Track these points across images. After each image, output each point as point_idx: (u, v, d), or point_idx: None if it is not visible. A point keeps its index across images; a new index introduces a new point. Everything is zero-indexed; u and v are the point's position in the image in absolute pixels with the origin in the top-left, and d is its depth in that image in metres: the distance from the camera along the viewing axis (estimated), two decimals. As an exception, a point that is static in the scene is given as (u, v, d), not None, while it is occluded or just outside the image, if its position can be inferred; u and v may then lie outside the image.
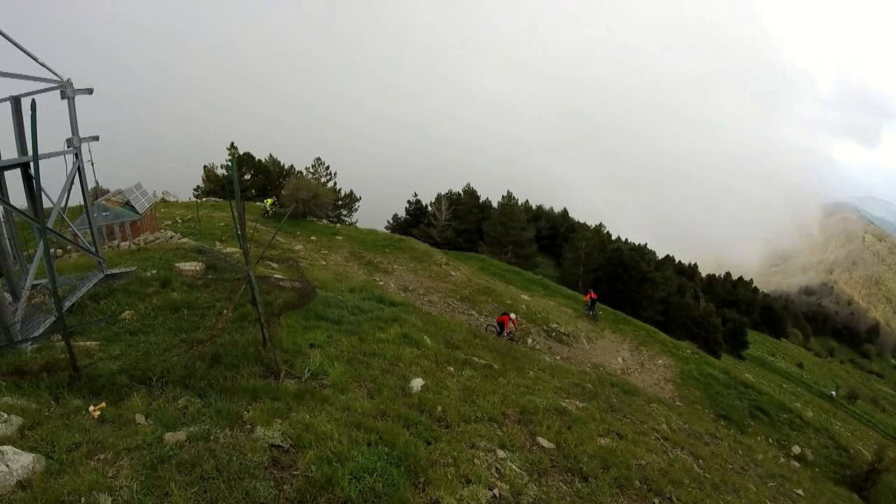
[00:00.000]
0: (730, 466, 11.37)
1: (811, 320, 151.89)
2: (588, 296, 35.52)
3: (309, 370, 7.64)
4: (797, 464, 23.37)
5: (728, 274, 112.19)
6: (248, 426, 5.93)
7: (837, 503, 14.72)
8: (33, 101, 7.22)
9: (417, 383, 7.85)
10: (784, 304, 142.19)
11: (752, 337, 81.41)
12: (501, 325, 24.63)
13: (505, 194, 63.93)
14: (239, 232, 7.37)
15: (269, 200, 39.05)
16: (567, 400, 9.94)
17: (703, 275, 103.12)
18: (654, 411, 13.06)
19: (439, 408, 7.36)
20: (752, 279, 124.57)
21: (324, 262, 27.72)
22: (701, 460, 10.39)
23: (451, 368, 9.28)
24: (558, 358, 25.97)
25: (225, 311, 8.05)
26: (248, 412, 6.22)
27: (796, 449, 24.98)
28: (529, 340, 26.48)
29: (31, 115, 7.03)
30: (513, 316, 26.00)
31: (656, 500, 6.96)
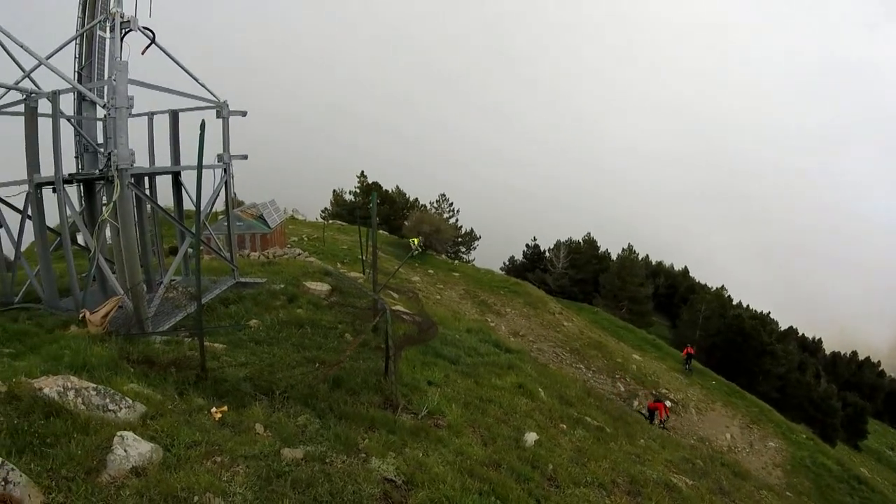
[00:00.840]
0: None
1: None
2: (686, 350, 35.48)
3: (426, 408, 7.72)
4: None
5: (854, 353, 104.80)
6: (364, 455, 6.00)
7: None
8: (203, 121, 7.74)
9: (531, 437, 7.76)
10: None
11: (872, 426, 75.96)
12: (652, 411, 24.37)
13: (626, 247, 63.01)
14: (368, 259, 7.58)
15: (416, 240, 38.64)
16: (677, 476, 9.56)
17: (828, 352, 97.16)
18: (764, 499, 12.37)
19: (550, 466, 7.22)
20: (879, 361, 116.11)
21: (438, 297, 28.09)
22: None
23: (564, 426, 9.14)
24: (656, 422, 25.23)
25: (354, 337, 8.28)
26: (364, 441, 6.31)
27: None
28: (636, 403, 25.80)
29: (200, 134, 7.53)
30: (668, 404, 25.97)
31: None
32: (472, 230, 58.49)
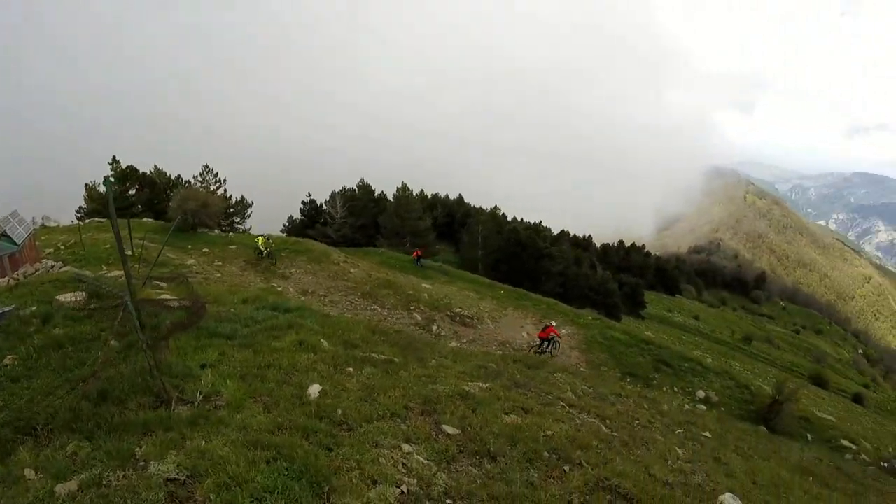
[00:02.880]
0: (637, 422, 11.68)
1: (702, 276, 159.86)
2: (415, 253, 41.98)
3: (201, 393, 7.38)
4: (703, 407, 24.79)
5: (621, 242, 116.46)
6: (142, 463, 5.65)
7: (744, 437, 15.37)
8: None
9: (315, 389, 7.71)
10: (675, 265, 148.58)
11: (650, 297, 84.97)
12: (546, 339, 25.41)
13: (400, 186, 64.06)
14: (138, 252, 7.04)
15: (261, 238, 33.87)
16: (471, 383, 9.98)
17: (598, 245, 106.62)
18: (559, 381, 13.29)
19: (339, 411, 7.24)
20: (644, 245, 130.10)
21: (219, 275, 27.02)
22: (608, 421, 10.65)
23: (351, 369, 9.16)
24: (465, 341, 26.38)
25: (106, 342, 7.73)
26: (140, 448, 5.96)
27: (700, 393, 26.69)
28: (434, 328, 26.71)
29: None
30: (553, 323, 27.45)
31: (567, 467, 7.05)
32: (242, 197, 56.51)
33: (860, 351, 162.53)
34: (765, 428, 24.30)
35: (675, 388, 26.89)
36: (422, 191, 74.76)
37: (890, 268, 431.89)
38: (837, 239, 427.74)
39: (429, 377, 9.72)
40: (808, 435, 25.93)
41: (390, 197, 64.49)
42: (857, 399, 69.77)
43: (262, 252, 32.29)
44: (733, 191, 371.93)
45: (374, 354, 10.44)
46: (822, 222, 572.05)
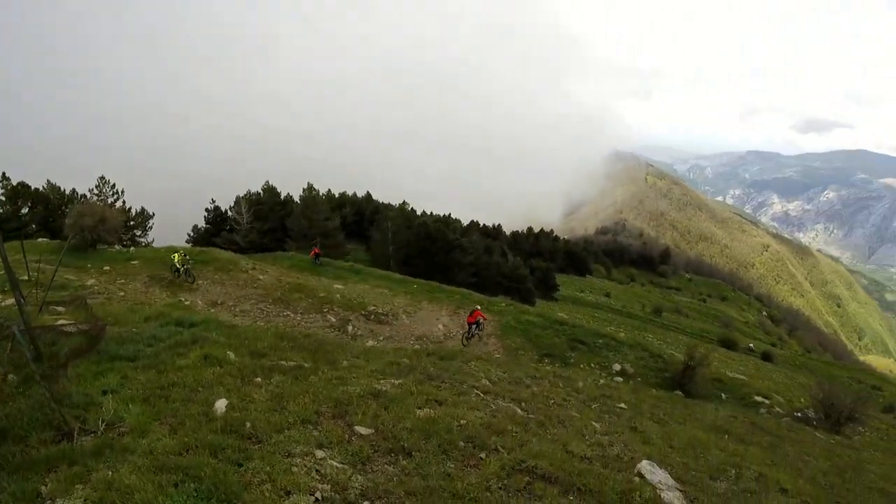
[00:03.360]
0: (552, 401, 11.89)
1: (610, 255, 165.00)
2: (312, 252, 42.11)
3: (103, 421, 7.16)
4: (620, 379, 25.65)
5: (530, 228, 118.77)
6: (49, 501, 5.48)
7: (659, 404, 15.76)
8: None
9: (222, 404, 7.57)
10: (584, 246, 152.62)
11: (561, 280, 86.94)
12: (474, 323, 27.25)
13: (306, 186, 63.24)
14: (34, 277, 6.79)
15: (177, 255, 30.62)
16: (383, 381, 9.95)
17: (508, 233, 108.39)
18: (473, 369, 13.41)
19: (248, 424, 7.08)
20: (552, 230, 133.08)
21: (122, 293, 26.05)
22: (524, 403, 10.81)
23: (259, 379, 9.01)
24: (382, 339, 26.44)
25: (2, 378, 7.43)
26: (45, 486, 5.76)
27: (616, 367, 27.58)
28: (350, 328, 26.65)
29: None
30: (479, 307, 28.59)
31: (483, 455, 7.12)
32: (142, 209, 54.47)
33: (764, 313, 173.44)
34: (681, 393, 25.35)
35: (592, 364, 27.72)
36: (329, 190, 74.16)
37: (786, 236, 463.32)
38: (735, 213, 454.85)
39: (340, 379, 9.66)
40: (723, 395, 27.29)
41: (297, 198, 63.63)
42: (766, 357, 73.91)
43: (178, 269, 30.05)
44: (634, 173, 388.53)
45: (282, 362, 10.35)
46: (719, 198, 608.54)
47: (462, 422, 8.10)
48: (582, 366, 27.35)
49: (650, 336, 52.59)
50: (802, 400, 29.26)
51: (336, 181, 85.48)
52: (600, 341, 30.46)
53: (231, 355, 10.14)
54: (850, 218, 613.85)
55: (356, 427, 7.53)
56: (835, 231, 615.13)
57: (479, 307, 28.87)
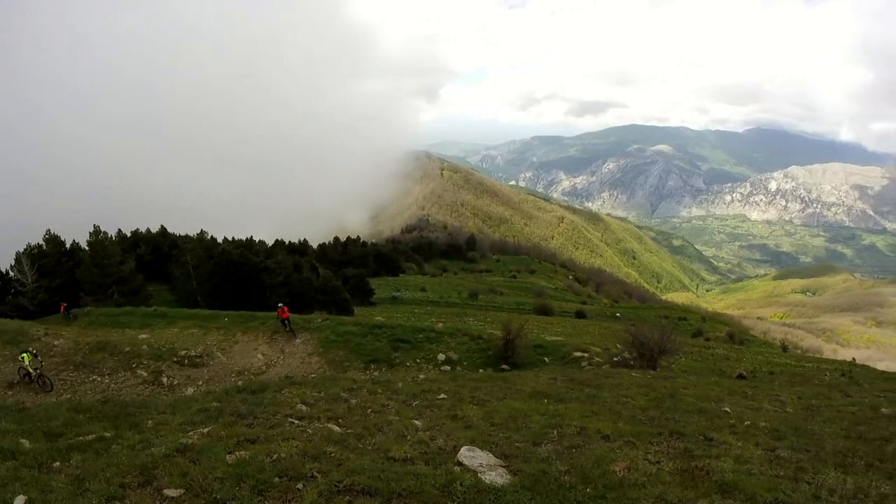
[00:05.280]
0: (370, 410, 11.87)
1: (419, 251, 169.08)
2: (62, 307, 40.08)
3: None
4: (447, 368, 26.67)
5: (337, 238, 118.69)
6: None
7: (479, 386, 16.04)
8: None
9: (20, 501, 7.07)
10: (393, 247, 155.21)
11: (376, 283, 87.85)
12: (285, 319, 30.97)
13: (92, 230, 58.38)
14: None
15: (27, 356, 23.86)
16: (191, 433, 9.43)
17: (315, 247, 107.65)
18: (286, 396, 13.00)
19: None
20: (359, 236, 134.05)
21: None
22: (341, 420, 10.72)
23: (57, 463, 8.28)
24: (200, 383, 25.43)
25: None
26: None
27: (441, 356, 28.69)
28: (165, 379, 25.35)
29: None
30: (280, 305, 31.32)
31: (300, 485, 6.92)
32: None
33: (571, 277, 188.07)
34: (507, 366, 26.71)
35: (418, 360, 28.60)
36: (119, 230, 69.16)
37: (577, 206, 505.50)
38: (529, 193, 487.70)
39: (145, 442, 9.09)
40: (546, 358, 28.96)
41: (85, 245, 58.50)
42: (580, 315, 79.61)
43: (30, 374, 23.85)
44: (431, 170, 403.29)
45: (80, 437, 9.68)
46: (513, 182, 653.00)
47: (275, 456, 7.87)
48: (408, 364, 28.00)
49: (471, 320, 54.30)
50: (618, 346, 31.19)
51: (126, 218, 79.93)
52: (421, 336, 31.36)
53: (25, 443, 9.30)
54: (630, 183, 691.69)
55: (165, 490, 7.04)
56: (619, 196, 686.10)
57: (280, 304, 31.39)
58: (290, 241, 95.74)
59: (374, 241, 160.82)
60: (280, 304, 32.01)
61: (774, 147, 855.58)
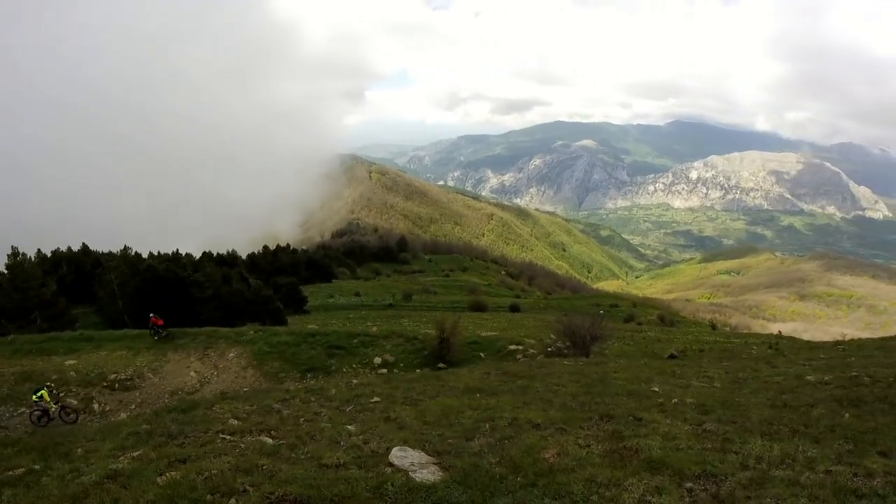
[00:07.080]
0: (303, 419, 11.86)
1: (351, 255, 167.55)
2: (152, 320, 34.82)
3: None
4: (384, 371, 26.76)
5: (266, 247, 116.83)
6: None
7: (413, 385, 16.14)
8: None
9: None
10: (324, 253, 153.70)
11: (309, 290, 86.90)
12: (160, 326, 31.81)
13: (10, 252, 55.77)
14: None
15: (45, 392, 21.84)
16: (121, 457, 9.21)
17: (245, 256, 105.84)
18: (218, 412, 12.80)
19: None
20: (288, 243, 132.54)
21: None
22: (273, 431, 10.70)
23: None
24: (133, 407, 24.80)
25: None
26: None
27: (377, 360, 28.93)
28: (96, 406, 24.65)
29: None
30: (152, 314, 32.01)
31: (233, 500, 6.86)
32: None
33: (503, 272, 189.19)
34: (444, 365, 26.98)
35: (354, 365, 28.65)
36: (38, 251, 66.16)
37: (506, 203, 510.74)
38: (458, 192, 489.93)
39: (75, 471, 8.93)
40: (481, 354, 29.37)
41: (3, 268, 56.09)
42: (514, 308, 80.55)
43: (49, 413, 21.75)
44: (359, 173, 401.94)
45: (10, 472, 9.52)
46: (441, 182, 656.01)
47: (206, 474, 7.76)
48: (345, 370, 28.03)
49: (406, 321, 54.31)
50: (552, 336, 31.78)
51: (44, 238, 76.78)
52: (356, 341, 31.35)
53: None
54: (557, 178, 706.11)
55: (90, 529, 6.90)
56: (546, 191, 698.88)
57: (152, 315, 32.78)
58: (218, 253, 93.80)
59: (305, 247, 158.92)
60: (151, 314, 32.96)
61: (694, 138, 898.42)
